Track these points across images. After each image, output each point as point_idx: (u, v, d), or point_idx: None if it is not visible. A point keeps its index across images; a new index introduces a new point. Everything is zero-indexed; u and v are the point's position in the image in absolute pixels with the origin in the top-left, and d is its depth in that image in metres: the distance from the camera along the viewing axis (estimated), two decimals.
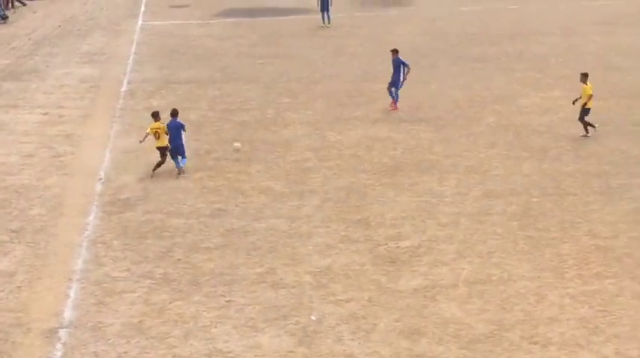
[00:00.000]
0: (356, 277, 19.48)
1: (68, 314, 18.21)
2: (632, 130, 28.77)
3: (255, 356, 16.75)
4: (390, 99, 31.38)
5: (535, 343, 16.87)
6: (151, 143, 25.92)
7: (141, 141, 25.93)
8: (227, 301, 18.58)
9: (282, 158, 26.80)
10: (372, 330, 17.40)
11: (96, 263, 20.38)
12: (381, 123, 29.93)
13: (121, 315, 18.12)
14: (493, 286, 18.98)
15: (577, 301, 18.32)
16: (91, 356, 16.85)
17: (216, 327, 17.63)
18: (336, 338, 17.16)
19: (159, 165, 25.52)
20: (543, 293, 18.65)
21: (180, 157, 25.66)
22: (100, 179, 25.47)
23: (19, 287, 19.37)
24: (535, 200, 23.44)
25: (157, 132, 25.42)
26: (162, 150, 25.53)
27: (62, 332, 17.56)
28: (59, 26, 47.93)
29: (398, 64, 31.15)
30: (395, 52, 31.47)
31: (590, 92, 27.74)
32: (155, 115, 25.89)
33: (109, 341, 17.23)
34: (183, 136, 25.75)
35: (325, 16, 46.22)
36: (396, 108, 31.20)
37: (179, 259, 20.48)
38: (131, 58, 40.23)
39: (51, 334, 17.51)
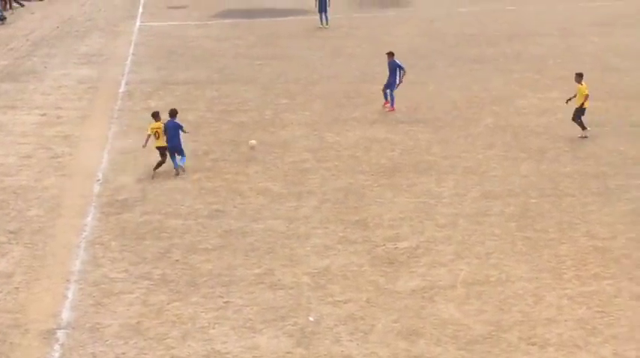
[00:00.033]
0: (354, 278, 19.48)
1: (66, 315, 18.20)
2: (630, 131, 28.79)
3: (253, 357, 16.74)
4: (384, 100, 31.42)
5: (533, 344, 16.87)
6: (149, 144, 25.91)
7: (144, 146, 25.89)
8: (225, 302, 18.58)
9: (280, 159, 26.80)
10: (370, 331, 17.40)
11: (94, 264, 20.36)
12: (379, 124, 29.93)
13: (118, 316, 18.11)
14: (491, 287, 18.98)
15: (575, 302, 18.32)
16: (88, 357, 16.86)
17: (214, 328, 17.62)
18: (334, 339, 17.16)
19: (159, 164, 25.57)
20: (541, 294, 18.66)
21: (179, 157, 25.69)
22: (98, 180, 25.46)
23: (17, 288, 19.35)
24: (533, 201, 23.44)
25: (156, 131, 25.52)
26: (161, 150, 25.61)
27: (60, 333, 17.55)
28: (57, 27, 47.92)
29: (394, 67, 31.18)
30: (390, 54, 31.49)
31: (586, 92, 27.75)
32: (155, 115, 25.99)
33: (107, 342, 17.23)
34: (181, 136, 25.74)
35: (323, 17, 46.24)
36: (392, 109, 31.20)
37: (177, 260, 20.47)
38: (129, 59, 40.22)
39: (49, 335, 17.50)
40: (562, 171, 25.53)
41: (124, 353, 16.89)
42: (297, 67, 38.05)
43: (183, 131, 25.75)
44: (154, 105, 31.19)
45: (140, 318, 18.01)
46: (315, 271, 19.80)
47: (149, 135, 25.70)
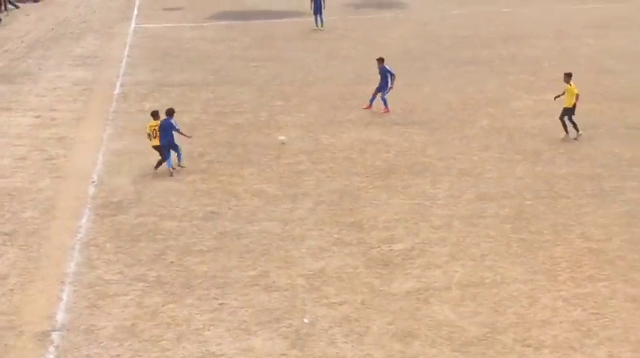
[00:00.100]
0: (349, 280, 19.48)
1: (61, 317, 18.17)
2: (625, 133, 28.83)
3: None
4: (380, 102, 31.45)
5: (528, 346, 16.87)
6: (144, 145, 25.93)
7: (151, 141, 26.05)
8: (220, 304, 18.56)
9: (275, 161, 26.80)
10: (365, 333, 17.40)
11: (88, 266, 20.34)
12: (374, 126, 29.94)
13: (113, 318, 18.09)
14: (486, 289, 18.99)
15: (570, 304, 18.33)
16: None
17: (209, 330, 17.61)
18: (329, 340, 17.15)
19: (160, 163, 25.68)
20: (536, 295, 18.66)
21: (174, 153, 25.78)
22: (93, 182, 25.44)
23: (12, 290, 19.32)
24: (528, 203, 23.46)
25: (154, 130, 25.62)
26: (158, 149, 25.73)
27: (55, 335, 17.52)
28: (52, 29, 47.89)
29: (384, 73, 31.29)
30: (380, 60, 31.59)
31: (576, 91, 27.80)
32: (155, 114, 26.20)
33: (102, 344, 17.20)
34: (175, 136, 25.82)
35: (318, 18, 46.25)
36: (387, 111, 31.20)
37: (172, 262, 20.45)
38: (124, 60, 40.21)
39: (43, 337, 17.47)
40: (557, 172, 25.55)
41: (118, 355, 16.87)
42: (292, 68, 38.05)
43: (179, 133, 25.84)
44: (149, 107, 31.14)
45: (135, 320, 17.99)
46: (310, 273, 19.79)
47: (149, 134, 25.84)
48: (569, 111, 28.04)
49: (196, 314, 18.19)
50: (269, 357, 16.73)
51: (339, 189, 24.57)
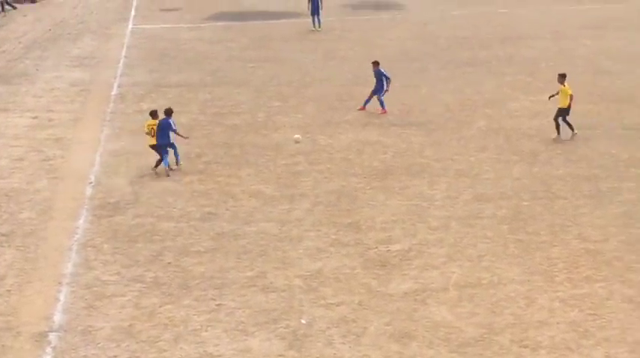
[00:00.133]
0: (346, 281, 19.48)
1: (58, 317, 18.16)
2: (622, 134, 28.86)
3: None
4: (376, 103, 31.46)
5: (525, 347, 16.88)
6: (141, 146, 25.92)
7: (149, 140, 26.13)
8: (217, 305, 18.57)
9: (272, 162, 26.80)
10: (362, 334, 17.40)
11: (86, 266, 20.33)
12: (371, 127, 29.95)
13: (111, 319, 18.08)
14: (483, 290, 19.00)
15: (567, 305, 18.34)
16: None
17: (206, 331, 17.61)
18: (326, 341, 17.16)
19: (159, 162, 25.78)
20: (533, 296, 18.67)
21: (171, 151, 25.82)
22: (90, 182, 25.43)
23: (9, 290, 19.31)
24: (525, 203, 23.47)
25: (152, 128, 25.69)
26: (155, 148, 25.81)
27: (52, 336, 17.51)
28: (49, 30, 47.88)
29: (379, 76, 31.35)
30: (376, 63, 31.66)
31: (570, 92, 27.86)
32: (153, 114, 26.29)
33: (99, 345, 17.20)
34: (171, 136, 25.86)
35: (316, 19, 46.28)
36: (384, 112, 31.22)
37: (169, 263, 20.45)
38: (121, 61, 40.21)
39: (41, 338, 17.46)
40: (554, 173, 25.57)
41: (116, 356, 16.86)
42: (289, 69, 38.07)
43: (176, 133, 25.89)
44: (147, 107, 31.09)
45: (132, 321, 17.99)
46: (308, 274, 19.80)
47: (147, 133, 25.90)
48: (563, 112, 28.10)
49: (194, 315, 18.19)
50: None
51: (337, 189, 24.58)
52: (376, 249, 20.93)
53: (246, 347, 17.03)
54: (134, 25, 49.14)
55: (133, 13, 52.81)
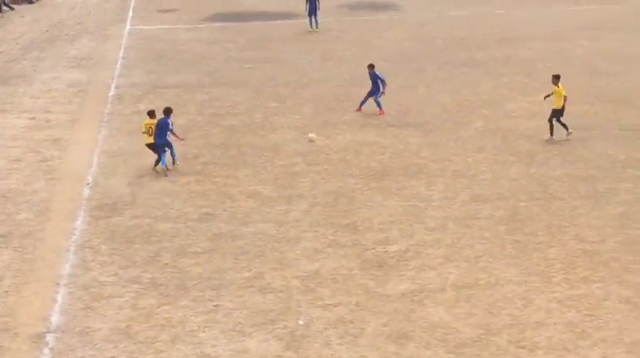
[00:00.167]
0: (344, 281, 19.49)
1: (55, 318, 18.16)
2: (619, 135, 28.88)
3: None
4: (373, 104, 31.49)
5: (522, 347, 16.90)
6: (139, 147, 25.91)
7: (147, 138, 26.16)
8: (215, 305, 18.57)
9: (270, 162, 26.81)
10: (359, 335, 17.41)
11: (83, 267, 20.34)
12: (368, 128, 29.97)
13: (108, 320, 18.08)
14: (480, 290, 19.01)
15: (564, 305, 18.36)
16: None
17: (203, 332, 17.61)
18: (323, 342, 17.17)
19: (157, 162, 25.77)
20: (530, 297, 18.69)
21: (168, 151, 25.85)
22: (88, 183, 25.43)
23: (7, 291, 19.31)
24: (522, 204, 23.49)
25: (150, 127, 25.76)
26: (152, 147, 25.84)
27: (49, 337, 17.51)
28: (47, 31, 47.85)
29: (375, 79, 31.36)
30: (371, 66, 31.67)
31: (564, 93, 27.90)
32: (151, 113, 26.39)
33: (97, 346, 17.20)
34: (169, 136, 25.90)
35: (313, 20, 46.29)
36: (382, 113, 31.23)
37: (167, 264, 20.46)
38: (119, 62, 40.20)
39: (38, 339, 17.47)
40: (551, 174, 25.60)
41: (113, 357, 16.87)
42: (287, 70, 38.07)
43: (172, 133, 25.93)
44: (144, 108, 31.07)
45: (130, 322, 17.99)
46: (305, 274, 19.81)
47: (144, 132, 25.94)
48: (557, 113, 28.15)
49: (191, 315, 18.20)
50: None
51: (334, 190, 24.59)
52: (373, 250, 20.95)
53: (244, 347, 17.04)
54: (132, 26, 49.12)
55: (130, 14, 52.80)
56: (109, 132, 30.04)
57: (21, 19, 51.52)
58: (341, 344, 17.10)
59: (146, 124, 26.04)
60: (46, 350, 17.09)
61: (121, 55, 41.65)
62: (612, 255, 20.51)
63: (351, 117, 31.10)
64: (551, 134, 28.19)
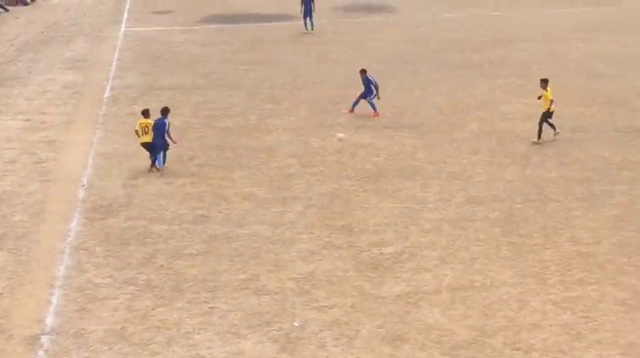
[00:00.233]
0: (339, 283, 19.49)
1: (50, 320, 18.14)
2: (615, 137, 28.91)
3: None
4: (367, 105, 31.50)
5: (517, 349, 16.90)
6: (134, 148, 25.88)
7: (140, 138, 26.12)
8: (210, 307, 18.55)
9: (265, 164, 26.80)
10: (354, 336, 17.40)
11: (78, 269, 20.30)
12: (364, 130, 29.96)
13: (103, 322, 18.06)
14: (476, 292, 19.02)
15: (559, 307, 18.37)
16: None
17: (199, 334, 17.59)
18: (318, 344, 17.16)
19: (154, 161, 25.80)
20: (526, 299, 18.70)
21: (162, 154, 25.90)
22: (83, 185, 25.40)
23: (1, 293, 19.27)
24: (518, 206, 23.50)
25: (146, 127, 25.77)
26: (147, 147, 25.90)
27: (44, 339, 17.49)
28: (42, 32, 47.76)
29: (367, 83, 31.37)
30: (363, 71, 31.68)
31: (551, 97, 27.96)
32: (145, 113, 26.50)
33: (92, 348, 17.18)
34: (165, 136, 25.90)
35: (308, 22, 46.24)
36: (377, 115, 31.23)
37: (162, 265, 20.44)
38: (114, 64, 40.12)
39: (33, 341, 17.44)
40: (547, 176, 25.61)
41: None
42: (282, 72, 38.05)
43: (167, 134, 25.94)
44: (139, 110, 30.99)
45: (125, 324, 17.97)
46: (300, 276, 19.80)
47: (137, 131, 25.95)
48: (547, 116, 28.18)
49: (186, 317, 18.18)
50: None
51: (329, 192, 24.59)
52: (369, 252, 20.94)
53: (239, 349, 17.03)
54: (127, 27, 49.04)
55: (125, 15, 52.69)
56: (104, 133, 30.01)
57: (16, 20, 51.42)
58: (336, 345, 17.10)
59: (141, 124, 26.04)
60: (40, 352, 17.07)
61: (116, 56, 41.58)
62: (607, 257, 20.53)
63: (346, 119, 31.09)
64: (539, 137, 28.17)
